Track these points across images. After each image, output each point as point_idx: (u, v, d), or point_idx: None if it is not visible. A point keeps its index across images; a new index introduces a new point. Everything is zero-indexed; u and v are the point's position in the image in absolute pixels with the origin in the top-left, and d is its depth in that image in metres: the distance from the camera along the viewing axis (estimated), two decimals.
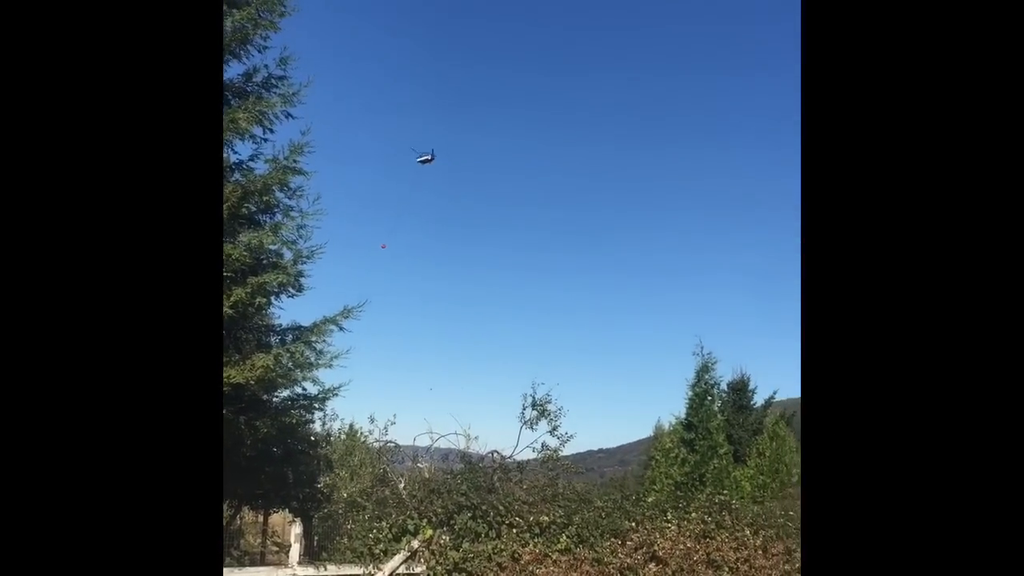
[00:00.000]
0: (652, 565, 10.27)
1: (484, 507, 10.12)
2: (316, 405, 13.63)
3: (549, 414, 12.39)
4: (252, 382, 10.50)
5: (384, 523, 10.12)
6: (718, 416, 22.13)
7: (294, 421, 13.33)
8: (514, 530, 10.04)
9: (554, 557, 9.97)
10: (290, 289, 11.94)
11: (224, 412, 9.80)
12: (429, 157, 40.53)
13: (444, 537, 9.96)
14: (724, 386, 25.89)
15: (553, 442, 12.34)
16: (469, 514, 10.04)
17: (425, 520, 10.07)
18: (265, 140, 11.87)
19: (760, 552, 10.69)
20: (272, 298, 11.74)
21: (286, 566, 9.67)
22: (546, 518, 10.22)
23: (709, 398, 21.72)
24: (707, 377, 21.92)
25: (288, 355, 11.59)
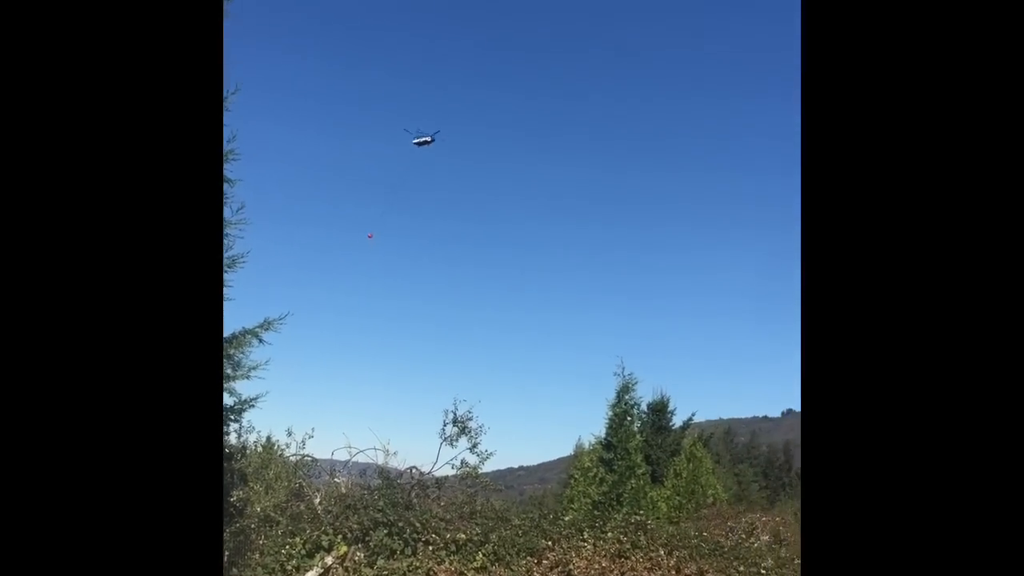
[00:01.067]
0: None
1: (401, 524, 10.03)
2: (232, 417, 13.33)
3: (470, 431, 12.37)
4: None
5: (298, 539, 9.96)
6: (637, 436, 22.37)
7: None
8: (430, 547, 9.97)
9: (470, 575, 9.93)
10: None
11: None
12: (428, 140, 39.01)
13: (359, 554, 9.84)
14: (644, 407, 26.21)
15: (473, 459, 12.31)
16: (385, 531, 9.94)
17: (340, 536, 9.93)
18: None
19: (673, 572, 10.81)
20: None
21: None
22: (463, 536, 10.18)
23: (629, 418, 21.94)
24: (627, 398, 22.15)
25: None
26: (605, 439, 22.01)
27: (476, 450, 12.33)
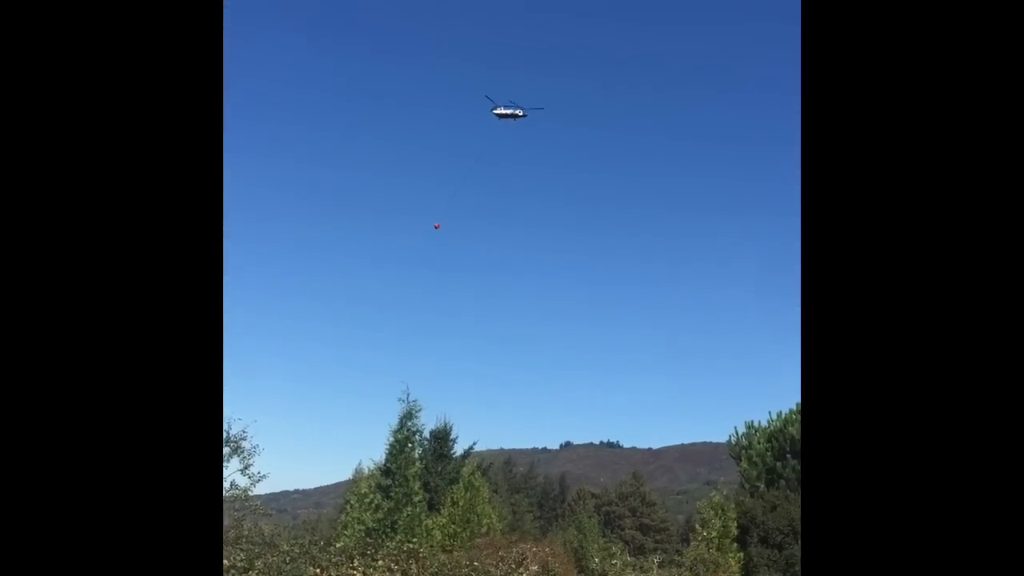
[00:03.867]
0: None
1: None
2: None
3: (243, 451, 11.85)
4: None
5: None
6: (417, 463, 22.31)
7: None
8: None
9: None
10: None
11: None
12: (519, 112, 34.62)
13: None
14: (426, 434, 26.20)
15: (244, 481, 11.79)
16: None
17: None
18: None
19: None
20: None
21: None
22: (226, 562, 9.69)
23: (410, 445, 21.86)
24: (410, 424, 22.07)
25: None
26: (384, 465, 21.81)
27: (248, 471, 11.83)
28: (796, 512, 25.84)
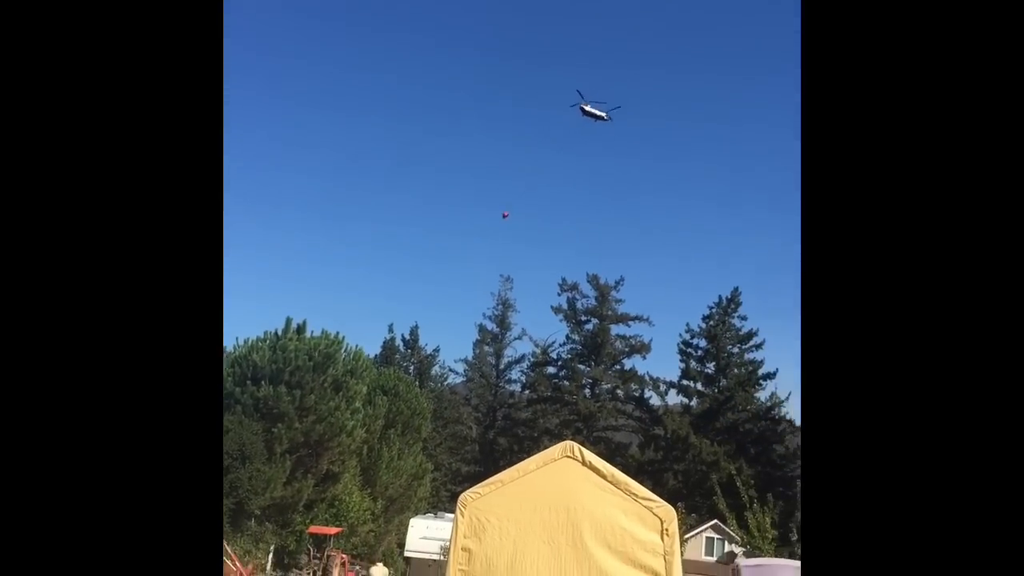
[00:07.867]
0: None
1: None
2: None
3: None
4: None
5: None
6: None
7: None
8: None
9: None
10: None
11: None
12: (605, 116, 33.51)
13: None
14: None
15: None
16: None
17: None
18: None
19: None
20: None
21: None
22: None
23: None
24: None
25: None
26: None
27: None
28: (247, 436, 27.64)
